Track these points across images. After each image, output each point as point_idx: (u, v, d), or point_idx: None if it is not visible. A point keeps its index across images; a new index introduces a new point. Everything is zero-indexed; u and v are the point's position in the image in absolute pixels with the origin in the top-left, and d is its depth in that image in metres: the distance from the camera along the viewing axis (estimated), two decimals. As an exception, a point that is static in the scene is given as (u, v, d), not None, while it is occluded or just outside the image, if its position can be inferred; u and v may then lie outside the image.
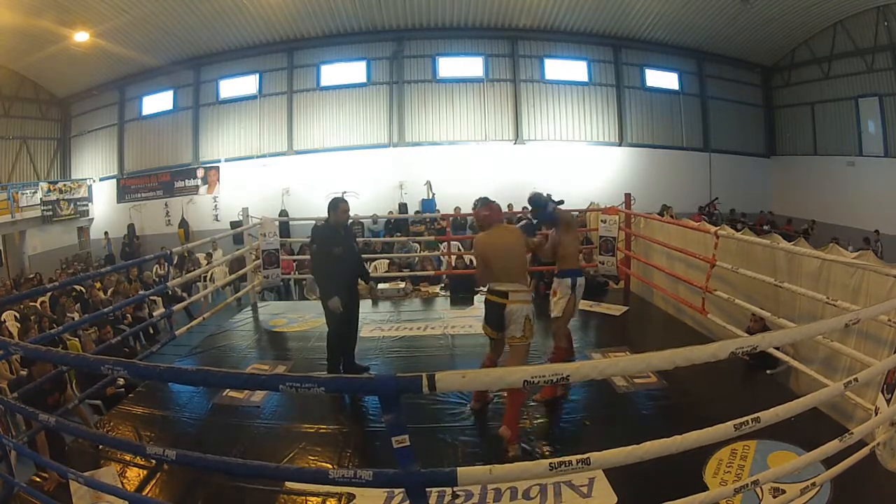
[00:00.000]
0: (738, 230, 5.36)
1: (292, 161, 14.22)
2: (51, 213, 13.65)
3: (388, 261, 9.31)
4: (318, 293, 4.61)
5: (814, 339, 3.71)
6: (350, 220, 4.83)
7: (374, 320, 6.25)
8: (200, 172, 14.59)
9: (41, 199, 13.40)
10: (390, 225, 12.89)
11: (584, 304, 6.50)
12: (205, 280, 10.31)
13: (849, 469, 2.50)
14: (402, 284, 7.72)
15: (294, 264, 9.52)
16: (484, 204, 3.63)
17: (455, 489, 2.84)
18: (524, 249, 3.67)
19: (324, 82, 14.34)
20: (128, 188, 15.08)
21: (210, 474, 3.02)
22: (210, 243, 11.03)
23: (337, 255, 4.38)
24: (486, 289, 3.60)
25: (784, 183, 15.08)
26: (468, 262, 8.66)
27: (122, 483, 3.06)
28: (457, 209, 12.02)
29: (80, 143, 15.61)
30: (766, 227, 12.29)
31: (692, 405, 3.81)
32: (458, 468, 1.89)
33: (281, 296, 9.53)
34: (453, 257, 8.10)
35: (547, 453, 3.30)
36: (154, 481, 3.14)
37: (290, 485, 2.96)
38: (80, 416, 3.81)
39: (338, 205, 4.48)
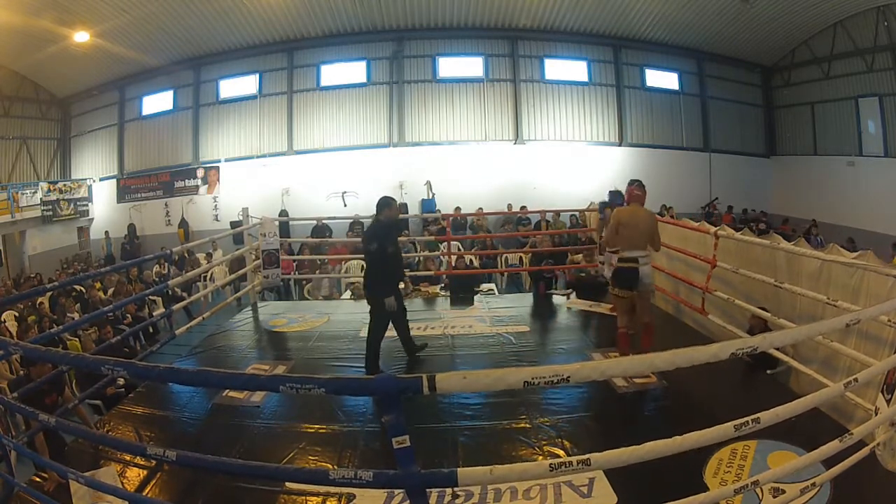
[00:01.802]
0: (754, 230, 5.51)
1: (292, 161, 14.21)
2: (51, 213, 13.64)
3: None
4: (368, 293, 4.70)
5: (814, 340, 3.72)
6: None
7: (374, 320, 6.24)
8: (200, 172, 14.57)
9: (41, 199, 13.39)
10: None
11: (584, 305, 6.54)
12: (205, 280, 10.31)
13: (849, 469, 2.50)
14: (403, 284, 7.71)
15: (294, 264, 9.53)
16: (640, 185, 4.64)
17: (455, 489, 2.84)
18: (650, 227, 4.60)
19: (324, 82, 14.32)
20: (128, 188, 15.06)
21: (210, 474, 3.02)
22: (210, 243, 11.03)
23: (391, 253, 4.55)
24: (615, 252, 4.58)
25: (784, 183, 15.07)
26: (468, 263, 8.67)
27: (122, 483, 3.05)
28: (457, 209, 12.01)
29: (80, 143, 15.59)
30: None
31: (692, 405, 3.81)
32: (459, 469, 1.89)
33: (281, 296, 9.53)
34: (453, 257, 8.10)
35: (548, 453, 3.30)
36: (154, 481, 3.14)
37: (290, 485, 2.96)
38: (80, 417, 3.80)
39: (391, 203, 4.59)
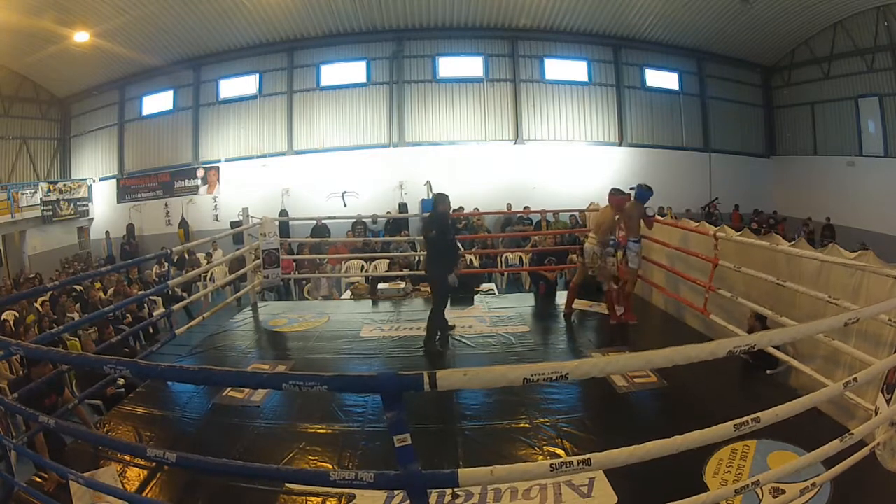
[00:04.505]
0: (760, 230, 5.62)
1: (292, 161, 14.21)
2: (51, 213, 13.64)
3: (388, 261, 9.29)
4: (430, 274, 5.33)
5: (814, 339, 3.71)
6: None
7: (374, 320, 6.25)
8: (200, 172, 14.58)
9: (41, 199, 13.39)
10: (390, 225, 12.89)
11: (583, 304, 6.54)
12: (205, 280, 10.31)
13: (849, 469, 2.50)
14: (402, 284, 7.72)
15: (294, 264, 9.52)
16: (620, 193, 5.77)
17: (455, 489, 2.84)
18: (612, 222, 5.84)
19: (324, 82, 14.33)
20: (128, 188, 15.06)
21: (210, 475, 3.02)
22: (210, 243, 11.03)
23: (450, 239, 5.30)
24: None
25: (784, 183, 15.08)
26: (468, 263, 8.66)
27: (121, 483, 3.05)
28: (459, 209, 12.00)
29: (80, 143, 15.59)
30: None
31: (692, 405, 3.81)
32: (460, 469, 1.89)
33: (281, 296, 9.53)
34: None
35: (548, 453, 3.30)
36: (154, 481, 3.14)
37: (289, 485, 2.96)
38: (80, 417, 3.80)
39: (446, 198, 5.23)
